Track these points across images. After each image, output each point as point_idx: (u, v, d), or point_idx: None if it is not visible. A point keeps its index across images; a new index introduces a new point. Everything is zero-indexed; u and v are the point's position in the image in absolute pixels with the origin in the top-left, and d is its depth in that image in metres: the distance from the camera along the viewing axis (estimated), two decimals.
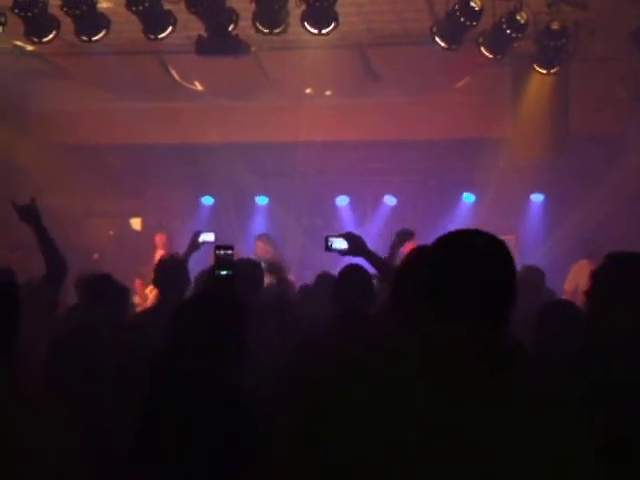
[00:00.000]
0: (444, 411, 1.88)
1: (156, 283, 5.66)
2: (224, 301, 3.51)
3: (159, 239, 11.98)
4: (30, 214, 5.44)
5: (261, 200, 14.07)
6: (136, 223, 14.92)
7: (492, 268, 2.10)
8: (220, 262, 3.94)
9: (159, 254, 11.25)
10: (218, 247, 3.99)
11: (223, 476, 3.09)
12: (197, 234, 7.08)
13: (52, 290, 5.38)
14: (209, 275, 4.07)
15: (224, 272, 3.95)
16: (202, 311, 3.44)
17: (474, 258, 2.10)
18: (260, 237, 11.78)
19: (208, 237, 7.22)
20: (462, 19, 8.74)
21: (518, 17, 8.88)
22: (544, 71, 9.89)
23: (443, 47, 9.19)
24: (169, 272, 5.50)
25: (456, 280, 2.08)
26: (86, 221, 13.94)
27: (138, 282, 11.30)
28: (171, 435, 3.15)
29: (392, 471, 1.85)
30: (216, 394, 3.21)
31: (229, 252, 3.96)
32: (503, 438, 1.85)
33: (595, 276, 4.01)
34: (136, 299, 10.24)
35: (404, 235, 5.67)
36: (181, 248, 7.31)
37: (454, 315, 2.05)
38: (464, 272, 2.08)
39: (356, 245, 5.06)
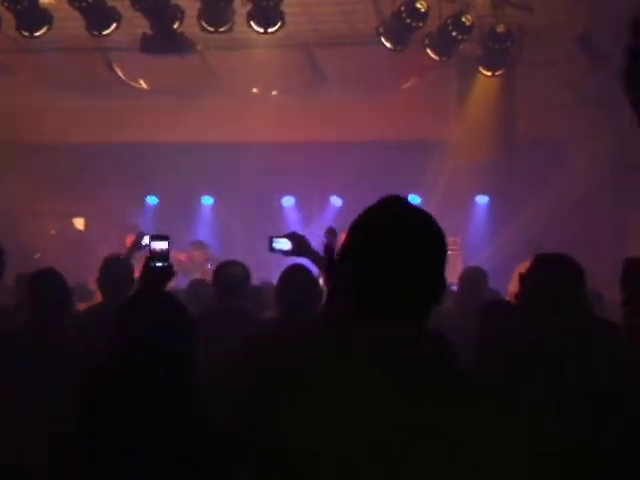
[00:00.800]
0: (393, 404, 1.83)
1: (100, 283, 5.58)
2: (168, 299, 3.45)
3: (129, 240, 11.81)
4: None
5: (206, 200, 13.97)
6: (79, 223, 14.73)
7: (422, 252, 1.92)
8: (155, 254, 3.84)
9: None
10: (153, 237, 3.89)
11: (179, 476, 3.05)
12: (140, 235, 7.03)
13: None
14: (145, 267, 3.98)
15: (159, 264, 3.87)
16: (149, 309, 3.37)
17: (401, 250, 1.91)
18: (194, 245, 11.70)
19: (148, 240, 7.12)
20: (408, 20, 8.76)
21: (464, 19, 8.93)
22: (489, 73, 9.95)
23: (389, 48, 9.20)
24: (114, 273, 5.43)
25: (380, 272, 1.91)
26: (27, 221, 13.72)
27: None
28: (122, 436, 3.09)
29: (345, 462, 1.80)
30: (166, 393, 3.16)
31: (164, 243, 3.87)
32: (449, 429, 1.81)
33: (523, 279, 4.04)
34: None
35: (330, 233, 5.62)
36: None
37: (387, 309, 1.91)
38: (390, 262, 1.91)
39: (300, 245, 5.01)
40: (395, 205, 2.04)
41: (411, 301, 1.91)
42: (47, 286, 5.09)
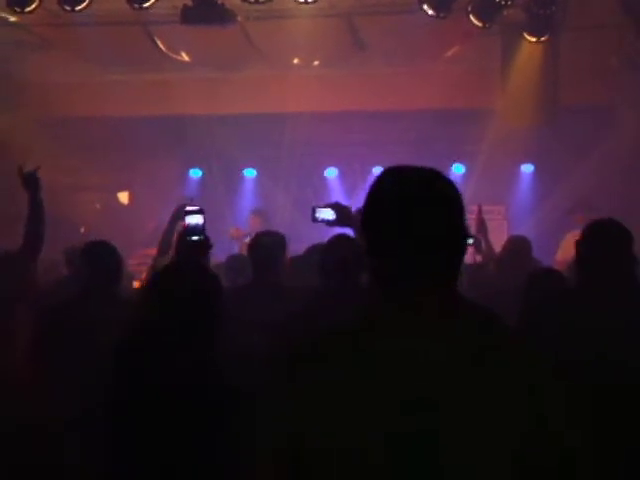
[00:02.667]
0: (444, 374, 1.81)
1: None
2: (199, 270, 3.46)
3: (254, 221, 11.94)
4: (32, 182, 5.62)
5: (249, 172, 13.98)
6: (123, 197, 14.82)
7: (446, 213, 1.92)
8: (190, 228, 3.86)
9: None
10: (187, 212, 3.90)
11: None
12: (182, 207, 7.06)
13: (30, 261, 5.39)
14: (179, 240, 3.99)
15: (196, 238, 3.88)
16: (178, 280, 3.38)
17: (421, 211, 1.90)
18: (255, 212, 11.83)
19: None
20: None
21: None
22: (534, 39, 9.82)
23: (431, 15, 9.09)
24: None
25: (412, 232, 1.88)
26: (72, 195, 13.82)
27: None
28: (152, 408, 3.10)
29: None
30: (196, 363, 3.16)
31: (200, 217, 3.88)
32: (487, 394, 1.80)
33: (578, 245, 4.01)
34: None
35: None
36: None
37: (419, 273, 1.90)
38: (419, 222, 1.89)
39: (343, 215, 5.00)
40: (401, 170, 2.01)
41: (437, 261, 1.90)
42: (100, 257, 5.17)
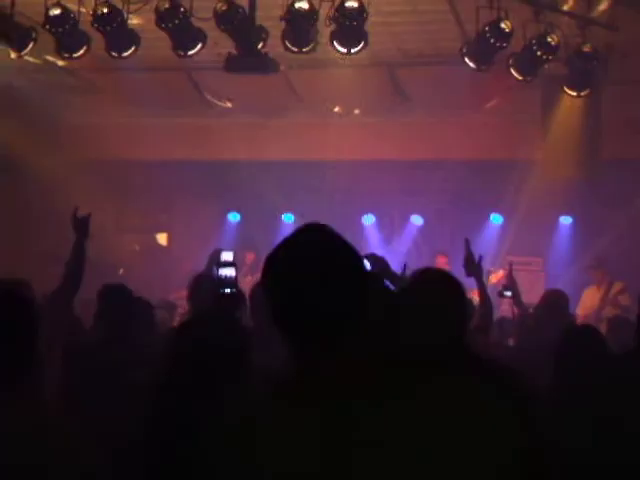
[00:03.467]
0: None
1: (191, 300, 5.67)
2: (229, 323, 3.44)
3: (249, 257, 12.13)
4: (83, 226, 5.72)
5: (287, 218, 14.05)
6: (162, 238, 14.95)
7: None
8: (223, 281, 3.89)
9: (242, 273, 11.46)
10: (220, 264, 3.94)
11: None
12: (217, 252, 7.13)
13: (66, 302, 5.47)
14: (214, 294, 4.02)
15: (228, 290, 3.91)
16: (205, 332, 3.36)
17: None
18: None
19: (227, 256, 7.22)
20: (492, 40, 8.68)
21: (549, 39, 8.81)
22: (574, 93, 9.81)
23: (473, 68, 9.14)
24: (204, 290, 5.55)
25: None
26: (112, 236, 13.97)
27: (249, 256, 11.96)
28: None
29: None
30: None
31: (232, 269, 3.91)
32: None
33: None
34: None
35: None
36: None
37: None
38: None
39: (379, 266, 5.00)
40: (304, 234, 2.11)
41: (325, 329, 1.93)
42: (112, 302, 5.24)
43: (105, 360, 4.78)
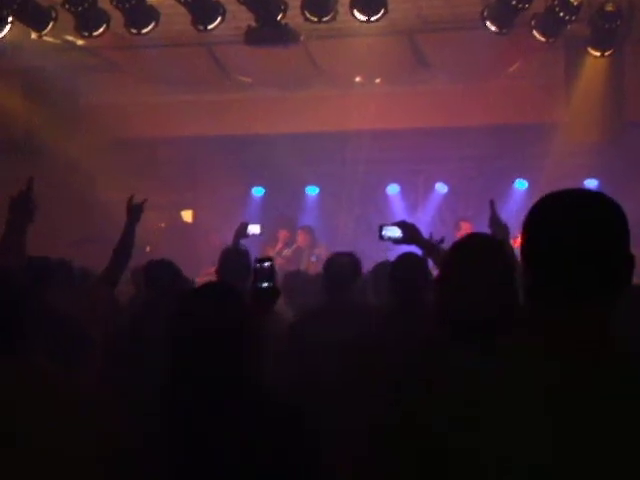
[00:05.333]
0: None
1: (220, 274, 5.69)
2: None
3: (282, 234, 12.17)
4: (137, 212, 6.00)
5: (311, 190, 14.03)
6: (187, 215, 14.97)
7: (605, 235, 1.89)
8: (260, 274, 3.92)
9: (278, 248, 11.51)
10: (257, 260, 3.98)
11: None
12: (244, 225, 7.16)
13: (114, 284, 5.54)
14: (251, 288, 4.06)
15: (265, 284, 3.94)
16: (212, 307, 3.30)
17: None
18: (302, 228, 12.03)
19: (254, 229, 7.26)
20: (513, 2, 8.61)
21: None
22: (598, 54, 9.73)
23: (494, 31, 9.06)
24: (234, 262, 5.57)
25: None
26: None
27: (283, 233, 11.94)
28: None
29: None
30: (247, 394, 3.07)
31: (268, 264, 3.95)
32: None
33: None
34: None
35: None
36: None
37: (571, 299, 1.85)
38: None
39: (410, 233, 5.00)
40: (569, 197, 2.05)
41: (599, 287, 1.86)
42: (158, 276, 5.28)
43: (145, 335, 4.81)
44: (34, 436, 2.73)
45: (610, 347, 1.85)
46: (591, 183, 13.02)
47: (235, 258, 5.72)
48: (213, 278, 7.96)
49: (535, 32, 9.20)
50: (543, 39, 9.24)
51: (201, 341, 2.91)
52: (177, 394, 2.92)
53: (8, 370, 2.86)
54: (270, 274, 3.97)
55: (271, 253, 11.15)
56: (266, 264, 3.96)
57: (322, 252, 11.11)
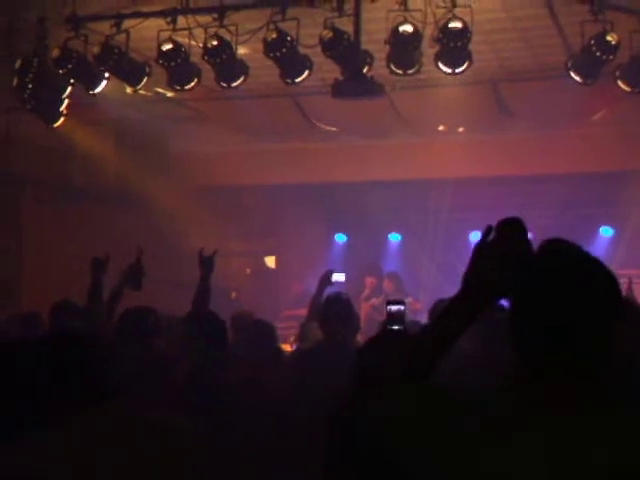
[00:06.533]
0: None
1: (324, 322, 5.78)
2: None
3: (370, 281, 12.33)
4: (209, 263, 6.10)
5: (394, 237, 14.12)
6: (271, 261, 15.19)
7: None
8: (392, 317, 4.01)
9: (365, 295, 11.67)
10: (389, 302, 4.08)
11: None
12: (329, 273, 7.24)
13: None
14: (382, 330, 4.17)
15: (395, 327, 4.03)
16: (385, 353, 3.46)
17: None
18: (389, 275, 12.12)
19: (339, 277, 7.34)
20: (598, 54, 8.60)
21: None
22: None
23: (579, 82, 9.07)
24: (340, 311, 5.67)
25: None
26: (222, 260, 14.23)
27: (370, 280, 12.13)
28: None
29: None
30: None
31: (401, 307, 4.03)
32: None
33: None
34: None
35: None
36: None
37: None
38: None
39: None
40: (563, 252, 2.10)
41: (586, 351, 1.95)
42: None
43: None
44: None
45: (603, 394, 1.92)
46: None
47: (339, 305, 5.81)
48: (292, 322, 8.11)
49: (620, 82, 9.17)
50: (628, 89, 9.21)
51: None
52: None
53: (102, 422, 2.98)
54: (401, 317, 4.04)
55: (357, 301, 11.25)
56: (398, 307, 4.04)
57: (413, 306, 11.20)
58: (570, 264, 2.03)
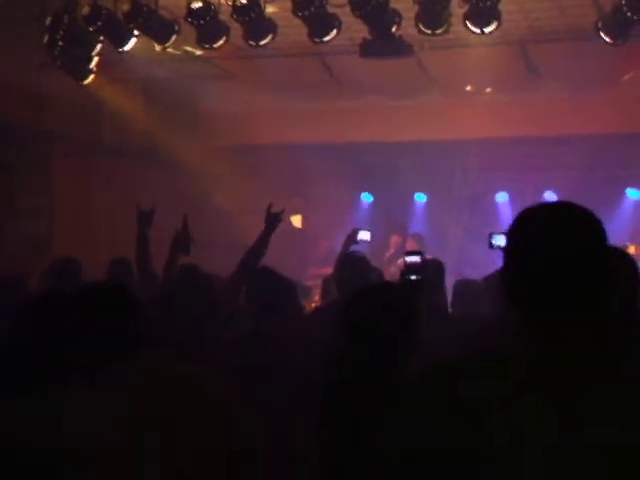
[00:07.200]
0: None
1: (338, 280, 5.86)
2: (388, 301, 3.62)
3: (395, 240, 12.36)
4: (275, 220, 6.17)
5: (420, 198, 14.15)
6: (297, 220, 15.25)
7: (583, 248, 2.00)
8: (409, 267, 4.06)
9: (390, 254, 11.71)
10: (407, 253, 4.13)
11: None
12: (354, 232, 7.29)
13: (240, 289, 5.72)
14: (400, 280, 4.21)
15: (413, 277, 4.08)
16: (373, 310, 3.57)
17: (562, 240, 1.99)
18: (413, 236, 12.12)
19: (365, 235, 7.38)
20: (629, 13, 8.56)
21: None
22: None
23: (609, 42, 9.02)
24: (353, 269, 5.74)
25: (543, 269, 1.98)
26: (249, 219, 14.31)
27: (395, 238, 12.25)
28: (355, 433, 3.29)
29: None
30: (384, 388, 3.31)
31: (418, 257, 4.08)
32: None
33: None
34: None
35: None
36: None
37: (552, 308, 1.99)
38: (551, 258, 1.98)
39: None
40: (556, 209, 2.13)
41: (583, 289, 1.99)
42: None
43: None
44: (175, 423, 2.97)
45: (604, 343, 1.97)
46: None
47: (354, 264, 5.88)
48: (318, 280, 8.14)
49: None
50: None
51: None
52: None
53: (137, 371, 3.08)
54: (419, 267, 4.09)
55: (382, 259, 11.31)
56: (415, 258, 4.09)
57: None
58: (560, 224, 2.04)
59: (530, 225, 2.05)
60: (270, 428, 4.14)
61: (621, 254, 3.41)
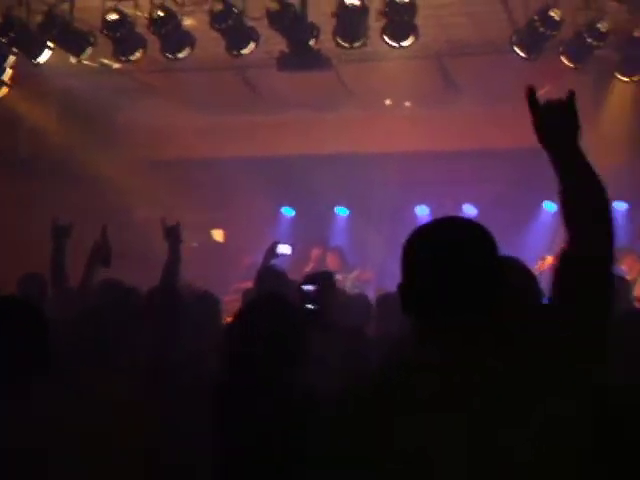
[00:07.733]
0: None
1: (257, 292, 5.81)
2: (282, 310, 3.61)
3: (315, 252, 12.30)
4: (174, 234, 5.94)
5: (341, 211, 14.18)
6: (218, 234, 15.15)
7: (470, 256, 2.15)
8: (307, 296, 4.07)
9: (311, 268, 11.64)
10: (306, 280, 4.13)
11: None
12: (274, 245, 7.30)
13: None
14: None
15: (310, 306, 4.08)
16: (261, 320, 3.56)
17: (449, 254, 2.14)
18: (332, 250, 12.15)
19: (285, 249, 7.37)
20: (542, 29, 8.72)
21: (599, 26, 8.82)
22: (626, 79, 9.80)
23: (523, 57, 9.17)
24: (270, 283, 5.70)
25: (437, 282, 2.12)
26: None
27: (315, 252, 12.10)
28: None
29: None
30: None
31: (314, 288, 4.08)
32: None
33: None
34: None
35: None
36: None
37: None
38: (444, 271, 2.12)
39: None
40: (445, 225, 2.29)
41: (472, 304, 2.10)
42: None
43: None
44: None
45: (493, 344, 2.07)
46: (620, 206, 13.06)
47: (272, 279, 5.85)
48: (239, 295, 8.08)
49: (563, 58, 9.29)
50: (571, 65, 9.34)
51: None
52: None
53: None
54: (316, 297, 4.09)
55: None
56: (312, 288, 4.08)
57: (363, 276, 11.29)
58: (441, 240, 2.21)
59: (420, 242, 2.21)
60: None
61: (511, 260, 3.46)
